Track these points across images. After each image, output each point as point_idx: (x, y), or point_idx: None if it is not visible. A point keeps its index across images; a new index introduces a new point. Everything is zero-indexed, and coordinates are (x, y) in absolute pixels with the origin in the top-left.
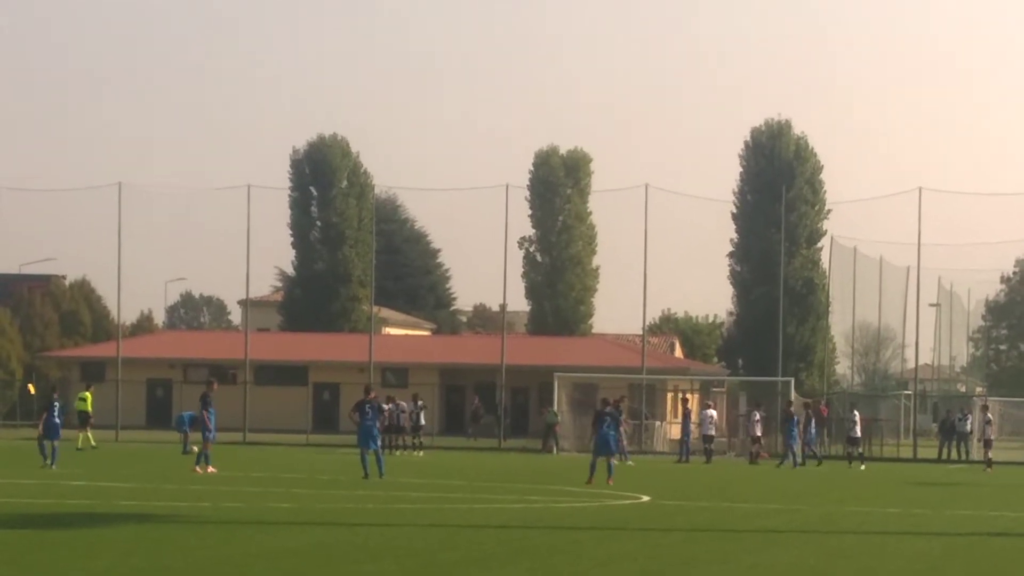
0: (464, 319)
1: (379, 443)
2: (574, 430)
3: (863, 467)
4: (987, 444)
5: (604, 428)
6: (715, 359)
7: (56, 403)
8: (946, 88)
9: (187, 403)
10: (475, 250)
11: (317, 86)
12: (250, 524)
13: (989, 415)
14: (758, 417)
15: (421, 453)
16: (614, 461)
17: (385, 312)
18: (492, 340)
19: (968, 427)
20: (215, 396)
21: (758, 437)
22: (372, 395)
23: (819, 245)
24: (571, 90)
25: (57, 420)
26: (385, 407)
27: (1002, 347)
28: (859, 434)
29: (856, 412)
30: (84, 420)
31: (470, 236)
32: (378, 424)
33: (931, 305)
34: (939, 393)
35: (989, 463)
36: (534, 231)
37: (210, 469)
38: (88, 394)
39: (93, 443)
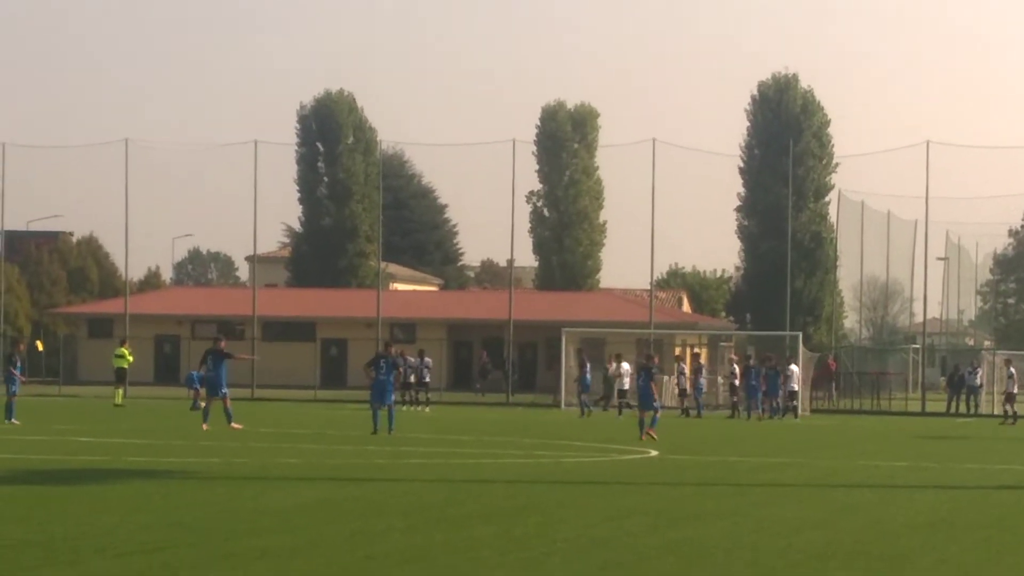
0: (471, 274)
1: (392, 399)
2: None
3: (796, 419)
4: (1009, 398)
5: (641, 382)
6: (723, 314)
7: (15, 357)
8: (954, 41)
9: (195, 359)
10: (482, 205)
11: (324, 42)
12: (259, 480)
13: (1012, 369)
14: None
15: (427, 409)
16: (657, 415)
17: (392, 268)
18: (500, 295)
19: (978, 380)
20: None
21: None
22: (391, 349)
23: (827, 199)
24: (578, 45)
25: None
26: (408, 359)
27: (1010, 301)
28: (797, 388)
29: (794, 366)
30: (121, 377)
31: (477, 191)
32: (393, 379)
33: (939, 259)
34: (947, 347)
35: (1011, 416)
36: (541, 186)
37: (234, 425)
38: (124, 350)
39: (119, 400)
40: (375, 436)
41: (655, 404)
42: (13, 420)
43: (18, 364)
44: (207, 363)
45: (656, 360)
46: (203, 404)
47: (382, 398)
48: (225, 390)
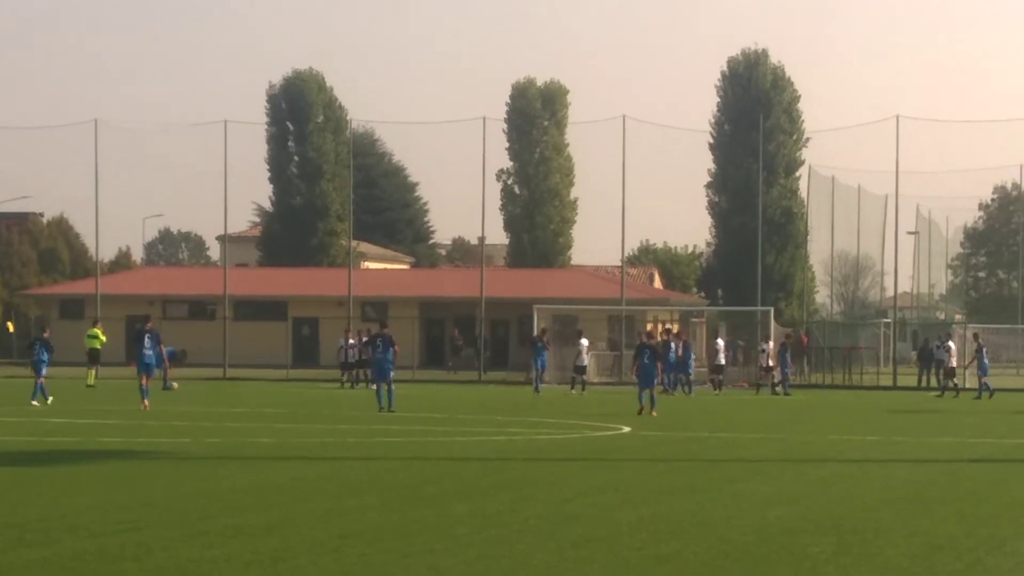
0: (443, 252)
1: (389, 377)
2: (553, 361)
3: (717, 392)
4: (948, 373)
5: (644, 360)
6: (694, 289)
7: (37, 342)
8: (924, 15)
9: (168, 339)
10: (453, 183)
11: (293, 20)
12: (232, 459)
13: (949, 343)
14: (768, 348)
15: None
16: (679, 390)
17: (364, 246)
18: (471, 273)
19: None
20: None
21: (769, 367)
22: (386, 329)
23: (797, 174)
24: (548, 22)
25: (36, 358)
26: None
27: (981, 274)
28: (723, 361)
29: (720, 340)
30: (94, 358)
31: (448, 169)
32: (392, 357)
33: (909, 233)
34: (918, 321)
35: (951, 389)
36: (512, 164)
37: (145, 404)
38: (97, 330)
39: (91, 381)
40: (381, 414)
41: (653, 383)
42: (34, 402)
43: (37, 348)
44: (145, 343)
45: (648, 338)
46: (175, 385)
47: (381, 376)
48: (154, 371)
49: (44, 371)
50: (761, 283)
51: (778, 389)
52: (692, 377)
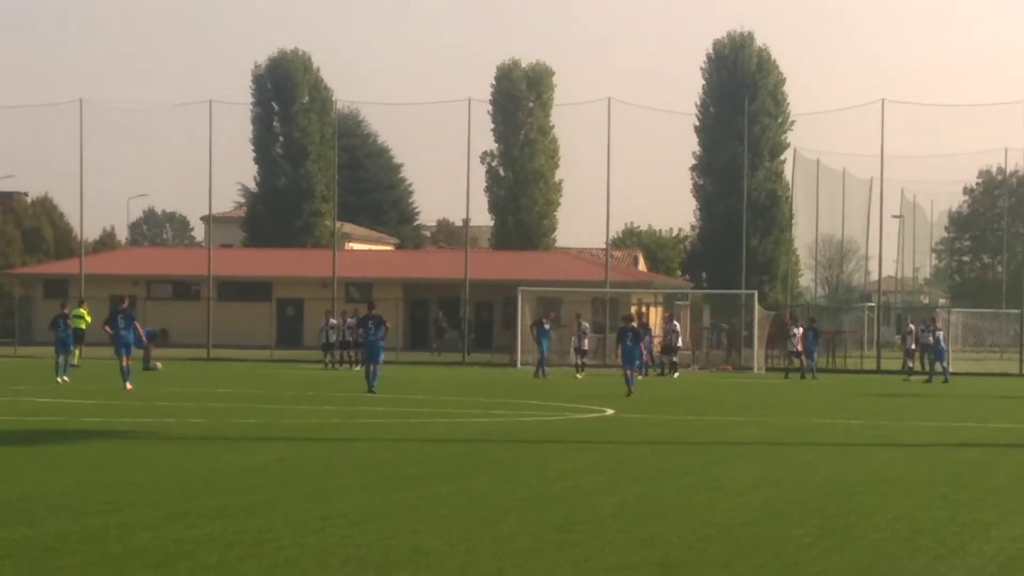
0: (427, 234)
1: (380, 358)
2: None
3: (676, 375)
4: (908, 354)
5: (627, 343)
6: (679, 272)
7: (60, 319)
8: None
9: (151, 320)
10: (438, 165)
11: (279, 1)
12: (215, 440)
13: (911, 326)
14: (798, 332)
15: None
16: (638, 375)
17: (348, 227)
18: (456, 255)
19: (931, 339)
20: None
21: (799, 352)
22: (374, 309)
23: (782, 158)
24: (534, 3)
25: (61, 335)
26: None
27: (965, 258)
28: (680, 344)
29: (676, 323)
30: (79, 337)
31: (433, 151)
32: (383, 336)
33: (894, 217)
34: (902, 305)
35: (908, 372)
36: (497, 145)
37: (128, 386)
38: (83, 310)
39: (75, 361)
40: (369, 395)
41: (636, 363)
42: (64, 378)
43: (61, 326)
44: (118, 324)
45: (634, 322)
46: (159, 365)
47: (372, 357)
48: (132, 350)
49: (71, 348)
50: (745, 266)
51: (807, 375)
52: (645, 359)
